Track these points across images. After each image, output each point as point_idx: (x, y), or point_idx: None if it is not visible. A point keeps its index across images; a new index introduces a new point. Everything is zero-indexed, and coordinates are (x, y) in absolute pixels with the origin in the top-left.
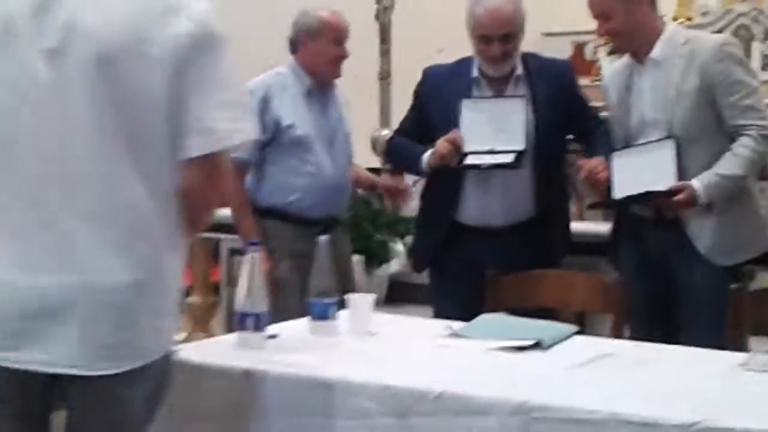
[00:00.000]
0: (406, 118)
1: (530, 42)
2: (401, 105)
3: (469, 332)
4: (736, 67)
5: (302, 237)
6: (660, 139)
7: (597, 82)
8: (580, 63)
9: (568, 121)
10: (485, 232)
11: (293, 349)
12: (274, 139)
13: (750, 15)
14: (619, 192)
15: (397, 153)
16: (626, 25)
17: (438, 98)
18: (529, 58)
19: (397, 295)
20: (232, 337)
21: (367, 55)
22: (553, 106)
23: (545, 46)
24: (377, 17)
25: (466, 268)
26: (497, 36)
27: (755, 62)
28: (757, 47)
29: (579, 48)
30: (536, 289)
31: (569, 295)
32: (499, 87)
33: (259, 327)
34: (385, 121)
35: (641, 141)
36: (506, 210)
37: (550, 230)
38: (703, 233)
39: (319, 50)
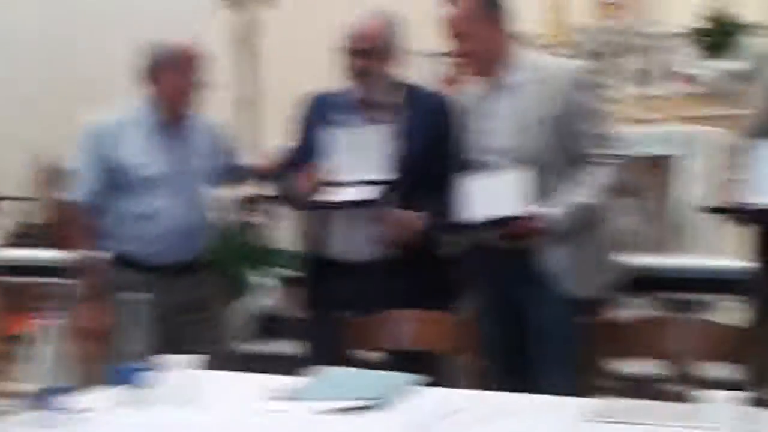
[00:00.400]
0: (292, 148)
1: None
2: (271, 131)
3: (303, 392)
4: (592, 96)
5: (147, 286)
6: (510, 166)
7: None
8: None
9: (435, 156)
10: (353, 267)
11: (94, 427)
12: (117, 182)
13: (622, 31)
14: (467, 219)
15: (281, 185)
16: (483, 48)
17: (315, 127)
18: (412, 88)
19: (267, 330)
20: (24, 417)
21: (236, 81)
22: (426, 140)
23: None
24: (242, 41)
25: (333, 307)
26: (357, 50)
27: (628, 76)
28: (630, 62)
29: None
30: (389, 331)
31: (423, 336)
32: (371, 114)
33: (56, 403)
34: (253, 148)
35: (493, 167)
36: (373, 244)
37: (430, 267)
38: (554, 264)
39: (171, 81)
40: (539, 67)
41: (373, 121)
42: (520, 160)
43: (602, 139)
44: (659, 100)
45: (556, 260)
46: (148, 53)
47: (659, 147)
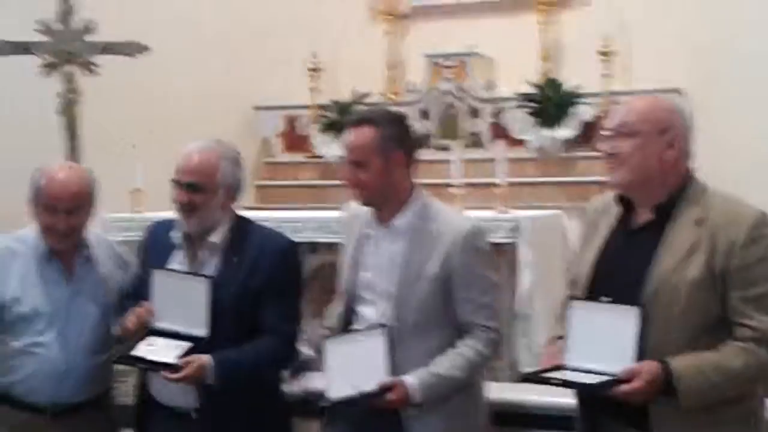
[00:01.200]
0: (133, 276)
1: (241, 115)
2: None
3: None
4: (479, 261)
5: (28, 425)
6: (372, 327)
7: (311, 158)
8: (293, 137)
9: (261, 304)
10: (176, 414)
11: None
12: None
13: (454, 93)
14: (333, 392)
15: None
16: (378, 181)
17: (148, 258)
18: (248, 229)
19: None
20: None
21: (54, 152)
22: (251, 287)
23: (256, 119)
24: (62, 111)
25: None
26: (182, 183)
27: (463, 142)
28: (462, 125)
29: (291, 121)
30: None
31: None
32: (194, 252)
33: None
34: None
35: (362, 310)
36: (192, 390)
37: (264, 420)
38: (418, 429)
39: (36, 215)
40: (432, 218)
41: (196, 261)
42: (396, 311)
43: (484, 309)
44: (489, 163)
45: (424, 428)
46: (32, 179)
47: (492, 234)
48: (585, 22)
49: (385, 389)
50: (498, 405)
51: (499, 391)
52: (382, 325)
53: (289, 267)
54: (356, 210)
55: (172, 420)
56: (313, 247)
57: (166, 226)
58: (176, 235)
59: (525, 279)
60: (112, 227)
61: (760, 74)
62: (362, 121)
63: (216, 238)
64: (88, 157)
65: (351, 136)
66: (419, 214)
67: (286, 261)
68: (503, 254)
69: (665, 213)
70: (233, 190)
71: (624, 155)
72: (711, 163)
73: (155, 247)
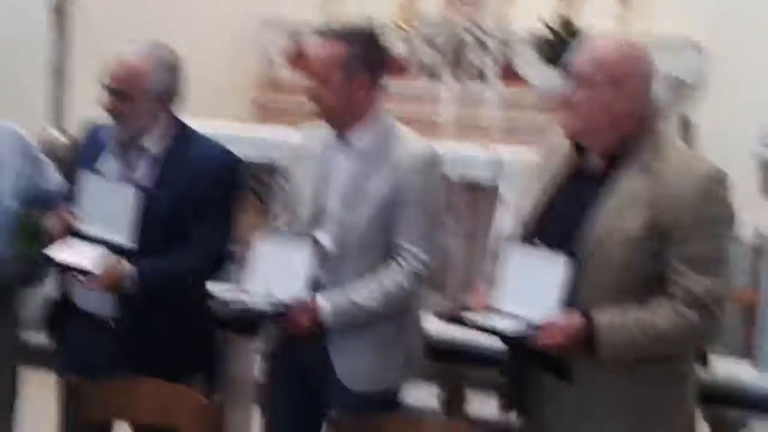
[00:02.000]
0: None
1: (245, 29)
2: (76, 104)
3: None
4: (429, 188)
5: None
6: (298, 238)
7: None
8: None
9: (193, 215)
10: (94, 320)
11: None
12: None
13: (466, 28)
14: (249, 287)
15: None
16: (335, 99)
17: (80, 161)
18: (193, 139)
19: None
20: None
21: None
22: (182, 198)
23: (261, 35)
24: (55, 7)
25: (73, 361)
26: (107, 87)
27: (468, 73)
28: (472, 59)
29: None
30: (123, 402)
31: (164, 414)
32: (126, 159)
33: None
34: (58, 119)
35: (318, 231)
36: (113, 296)
37: (181, 330)
38: (342, 354)
39: None
40: (390, 140)
41: (128, 167)
42: (342, 232)
43: (420, 240)
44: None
45: (344, 351)
46: None
47: (474, 170)
48: None
49: (295, 308)
50: (433, 339)
51: (435, 326)
52: (313, 238)
53: (227, 183)
54: (310, 130)
55: (91, 326)
56: None
57: (100, 129)
58: (107, 142)
59: (503, 220)
60: None
61: None
62: (332, 34)
63: (149, 143)
64: (77, 63)
65: (317, 47)
66: (378, 135)
67: (224, 176)
68: (484, 194)
69: (615, 161)
70: (165, 97)
71: (573, 102)
72: (727, 121)
73: (91, 149)
